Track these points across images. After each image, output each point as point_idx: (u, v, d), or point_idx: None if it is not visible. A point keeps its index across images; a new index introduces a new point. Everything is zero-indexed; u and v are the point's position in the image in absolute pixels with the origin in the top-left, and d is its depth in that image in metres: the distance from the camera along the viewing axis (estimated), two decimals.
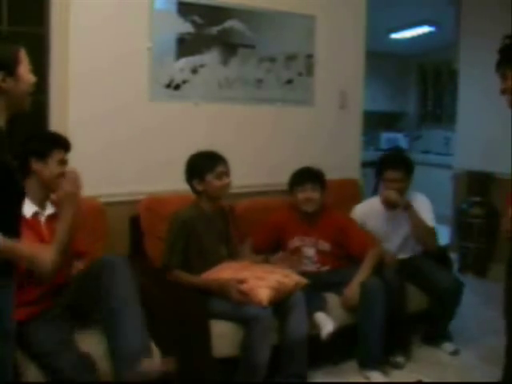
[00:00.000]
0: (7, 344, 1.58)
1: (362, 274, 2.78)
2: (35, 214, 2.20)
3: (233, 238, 2.83)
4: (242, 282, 2.44)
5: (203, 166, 2.66)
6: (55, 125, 2.82)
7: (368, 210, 3.18)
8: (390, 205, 3.06)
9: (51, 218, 2.21)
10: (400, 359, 2.84)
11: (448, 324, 3.08)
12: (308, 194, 2.93)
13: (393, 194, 3.01)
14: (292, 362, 2.49)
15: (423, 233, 3.03)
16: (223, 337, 2.42)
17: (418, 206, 3.05)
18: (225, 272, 2.55)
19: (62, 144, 2.28)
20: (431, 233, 3.05)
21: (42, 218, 2.22)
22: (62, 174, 2.11)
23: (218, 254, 2.70)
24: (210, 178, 2.64)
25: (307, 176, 2.99)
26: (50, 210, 2.26)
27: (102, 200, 2.86)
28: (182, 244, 2.61)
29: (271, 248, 2.93)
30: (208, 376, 2.33)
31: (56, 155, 2.22)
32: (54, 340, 2.01)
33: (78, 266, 2.36)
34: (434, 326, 3.09)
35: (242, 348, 2.40)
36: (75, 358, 1.95)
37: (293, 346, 2.48)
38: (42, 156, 2.19)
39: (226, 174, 2.68)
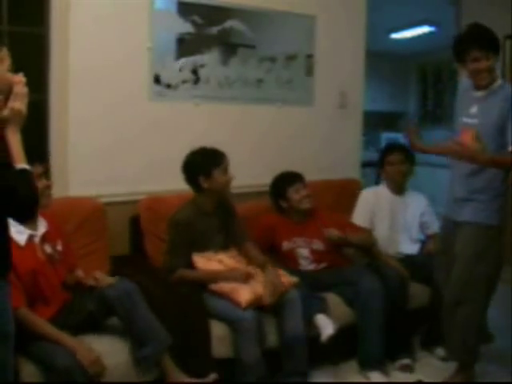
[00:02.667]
0: (7, 345, 1.58)
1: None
2: (30, 238, 2.15)
3: (234, 229, 2.77)
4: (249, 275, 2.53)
5: (209, 161, 2.62)
6: (55, 125, 2.82)
7: (375, 197, 3.22)
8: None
9: (45, 238, 2.22)
10: (406, 361, 2.80)
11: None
12: (304, 192, 2.99)
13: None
14: (292, 359, 2.49)
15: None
16: (222, 338, 2.42)
17: (417, 206, 3.21)
18: (215, 266, 2.58)
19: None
20: None
21: (37, 239, 2.18)
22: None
23: (215, 244, 2.68)
24: (216, 173, 2.61)
25: (294, 176, 3.06)
26: (42, 229, 2.22)
27: (103, 200, 2.86)
28: (185, 247, 2.59)
29: (264, 250, 2.86)
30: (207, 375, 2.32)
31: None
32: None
33: (79, 274, 2.39)
34: (434, 327, 3.06)
35: (233, 348, 2.41)
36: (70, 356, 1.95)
37: (291, 344, 2.49)
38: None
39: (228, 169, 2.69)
